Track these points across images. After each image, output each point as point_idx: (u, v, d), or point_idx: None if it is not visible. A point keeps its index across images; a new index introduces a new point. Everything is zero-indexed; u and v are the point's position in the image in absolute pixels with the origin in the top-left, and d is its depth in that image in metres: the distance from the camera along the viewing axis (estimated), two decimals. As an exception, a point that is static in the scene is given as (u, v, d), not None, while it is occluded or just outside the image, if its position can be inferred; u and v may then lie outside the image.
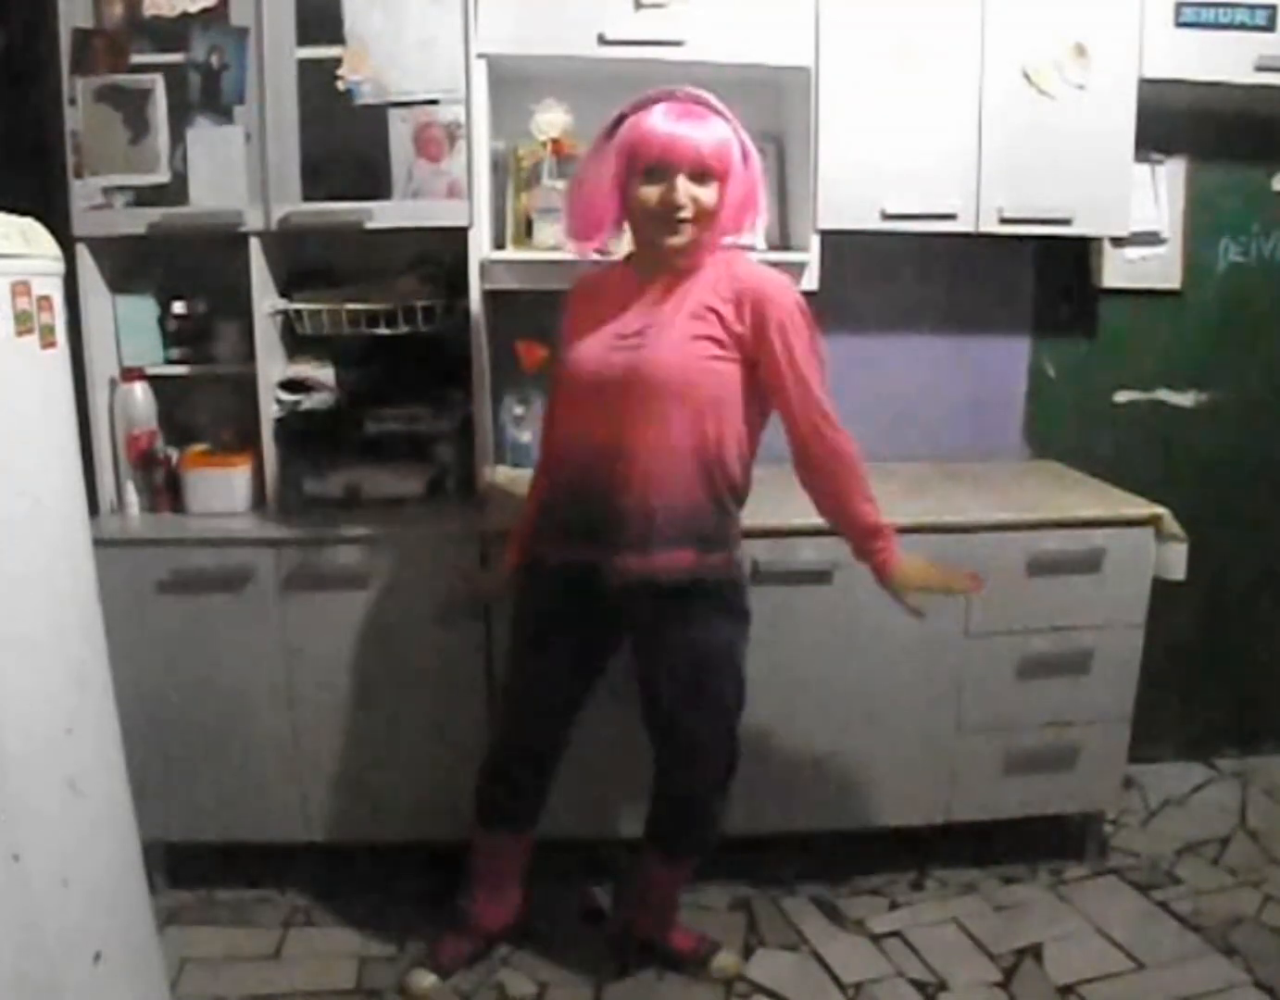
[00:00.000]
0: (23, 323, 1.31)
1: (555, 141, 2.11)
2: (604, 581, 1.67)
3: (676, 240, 1.60)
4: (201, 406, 2.27)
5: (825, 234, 2.15)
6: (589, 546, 1.67)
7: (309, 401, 2.15)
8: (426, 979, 1.92)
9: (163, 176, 2.02)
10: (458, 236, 2.07)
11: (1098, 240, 2.49)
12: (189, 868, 2.20)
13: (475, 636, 2.07)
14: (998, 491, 2.31)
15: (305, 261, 2.24)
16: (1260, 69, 2.19)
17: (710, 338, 1.62)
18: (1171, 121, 2.39)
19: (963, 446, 2.57)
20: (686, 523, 1.65)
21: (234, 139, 2.01)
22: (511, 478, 2.37)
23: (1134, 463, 2.57)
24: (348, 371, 2.19)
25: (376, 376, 2.24)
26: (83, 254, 2.03)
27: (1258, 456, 2.69)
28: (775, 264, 1.85)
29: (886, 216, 2.15)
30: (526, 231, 2.19)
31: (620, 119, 1.62)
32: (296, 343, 2.20)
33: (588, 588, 1.69)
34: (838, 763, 2.17)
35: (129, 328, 2.16)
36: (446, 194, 2.04)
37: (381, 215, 2.03)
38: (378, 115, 2.00)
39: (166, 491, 2.14)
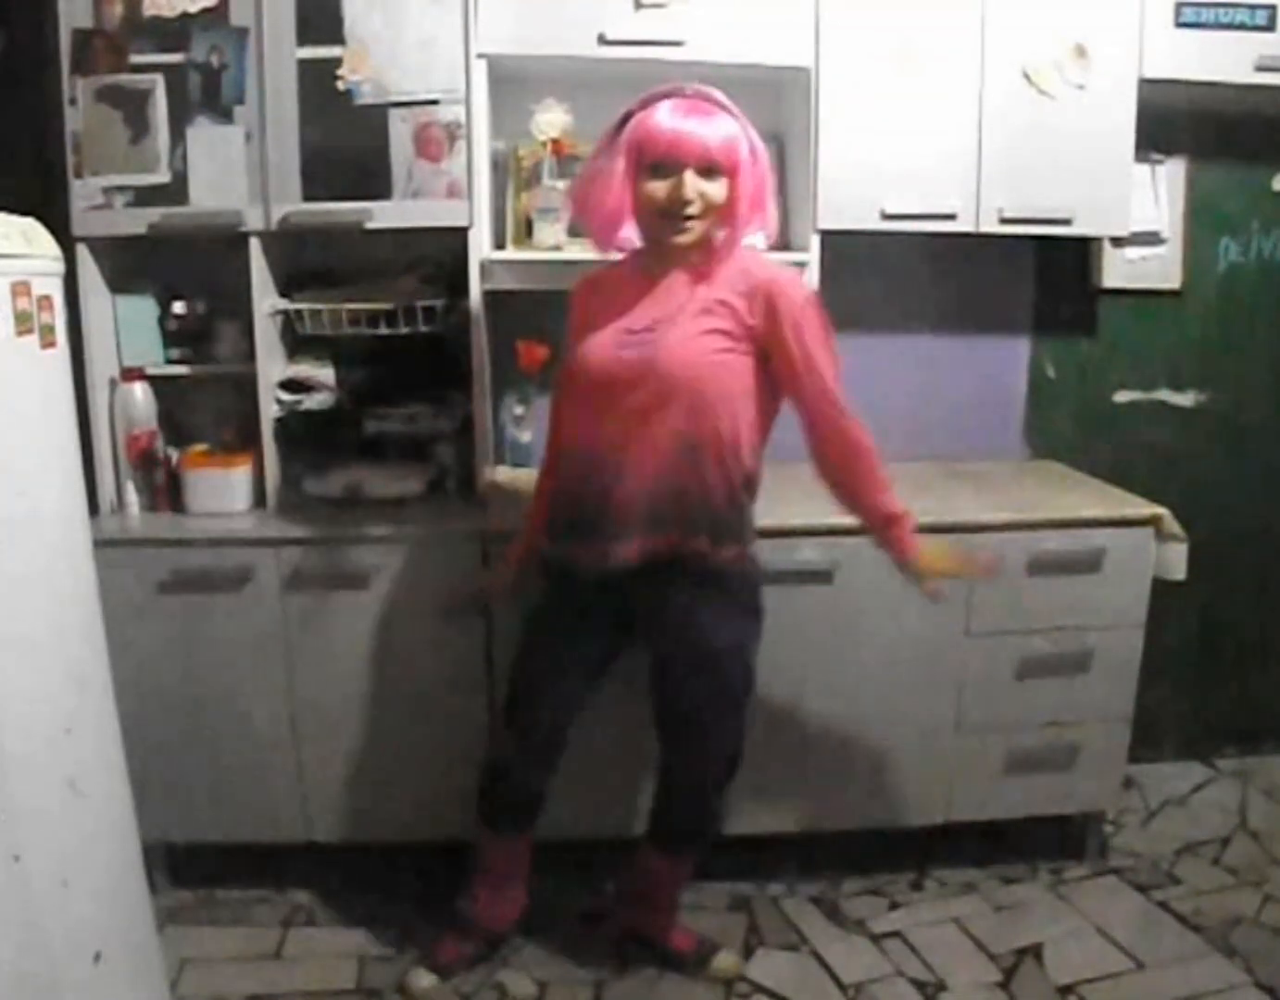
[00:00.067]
0: (23, 323, 1.31)
1: (555, 141, 2.11)
2: (614, 572, 1.67)
3: (683, 238, 1.60)
4: (201, 406, 2.27)
5: (825, 234, 2.15)
6: (600, 540, 1.67)
7: (309, 401, 2.15)
8: (426, 979, 1.92)
9: (163, 176, 2.02)
10: (458, 236, 2.07)
11: (1098, 240, 2.49)
12: (189, 868, 2.20)
13: (476, 636, 2.07)
14: (998, 491, 2.31)
15: (305, 261, 2.24)
16: (1260, 69, 2.19)
17: (722, 331, 1.62)
18: (1171, 121, 2.39)
19: (963, 446, 2.57)
20: (698, 514, 1.66)
21: (234, 139, 2.01)
22: (511, 478, 2.37)
23: (1134, 463, 2.57)
24: (348, 371, 2.20)
25: (376, 376, 2.24)
26: (83, 254, 2.03)
27: (1258, 456, 2.69)
28: (775, 264, 1.85)
29: (886, 216, 2.15)
30: (526, 231, 2.19)
31: (627, 116, 1.61)
32: (296, 343, 2.20)
33: (597, 583, 1.70)
34: (838, 763, 2.17)
35: (129, 328, 2.16)
36: (446, 194, 2.04)
37: (381, 215, 2.03)
38: (378, 115, 2.01)
39: (166, 491, 2.15)
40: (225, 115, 2.00)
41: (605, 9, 2.01)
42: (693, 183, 1.56)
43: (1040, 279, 2.56)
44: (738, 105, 1.64)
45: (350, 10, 1.97)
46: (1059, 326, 2.59)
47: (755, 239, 1.77)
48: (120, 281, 2.14)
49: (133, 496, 2.14)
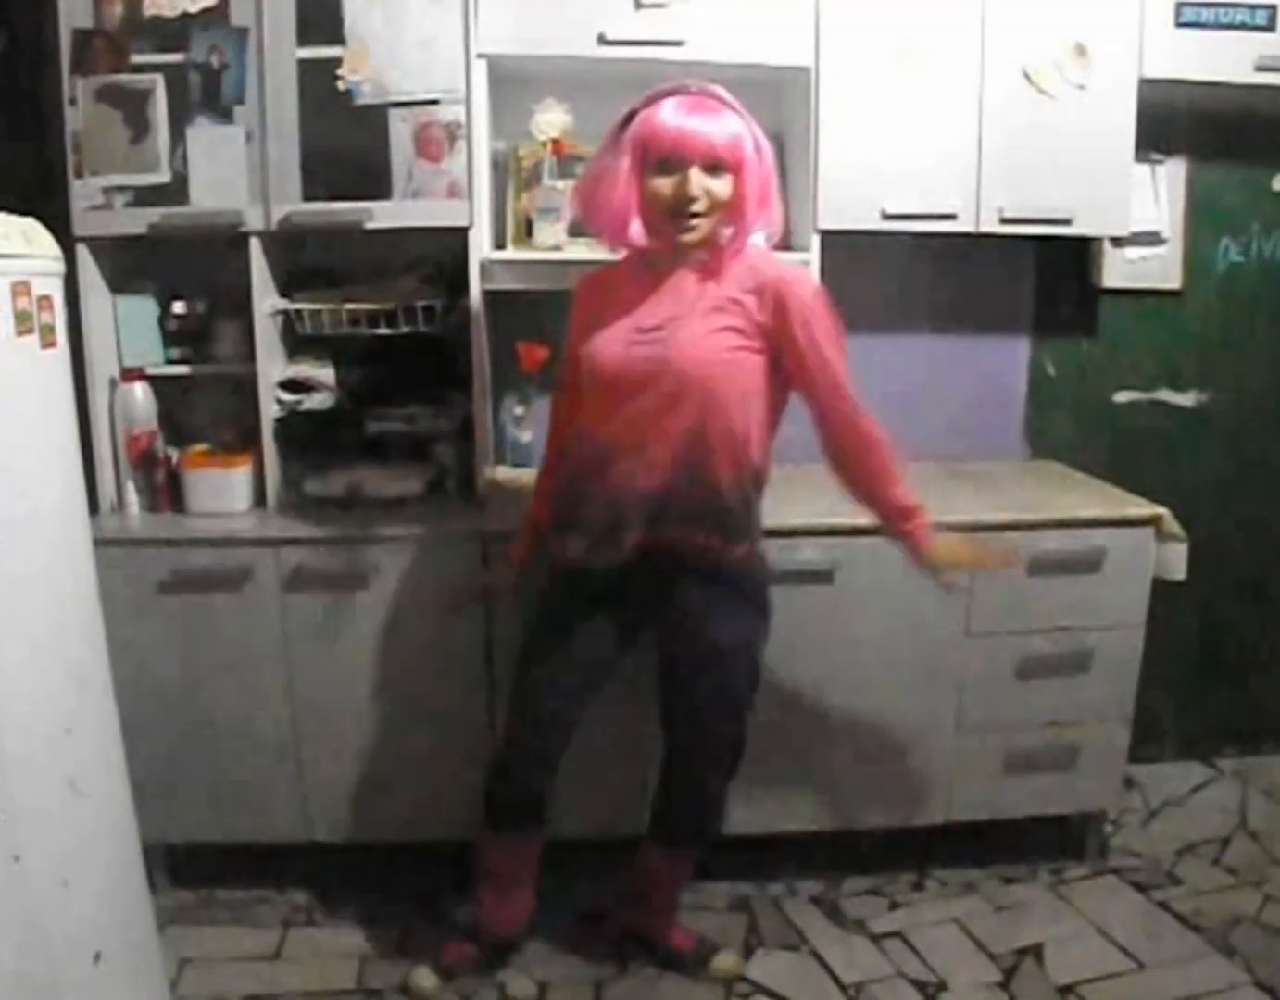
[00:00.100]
0: (23, 323, 1.31)
1: (555, 141, 2.11)
2: (623, 568, 1.67)
3: (689, 236, 1.60)
4: (201, 406, 2.27)
5: (825, 234, 2.15)
6: (609, 537, 1.67)
7: (309, 401, 2.15)
8: (429, 979, 1.92)
9: (163, 176, 2.02)
10: (458, 236, 2.07)
11: (1098, 240, 2.49)
12: (189, 868, 2.20)
13: (476, 636, 2.07)
14: (998, 491, 2.31)
15: (305, 261, 2.24)
16: (1260, 69, 2.19)
17: (733, 329, 1.63)
18: (1171, 121, 2.39)
19: (963, 446, 2.57)
20: (709, 511, 1.66)
21: (234, 139, 2.01)
22: (511, 478, 2.37)
23: (1134, 463, 2.57)
24: (348, 371, 2.20)
25: (376, 376, 2.24)
26: (83, 254, 2.03)
27: (1258, 456, 2.69)
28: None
29: (886, 216, 2.15)
30: (526, 231, 2.19)
31: (631, 114, 1.61)
32: (296, 343, 2.20)
33: (606, 580, 1.70)
34: (838, 763, 2.17)
35: (129, 328, 2.16)
36: (446, 194, 2.04)
37: (381, 215, 2.03)
38: (378, 115, 2.01)
39: (166, 491, 2.15)
40: (225, 115, 2.00)
41: (605, 9, 2.01)
42: (698, 180, 1.56)
43: (1040, 279, 2.56)
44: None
45: (350, 10, 1.97)
46: (1059, 326, 2.59)
47: (758, 237, 1.77)
48: (120, 281, 2.14)
49: (133, 496, 2.14)
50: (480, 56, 2.03)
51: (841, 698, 2.15)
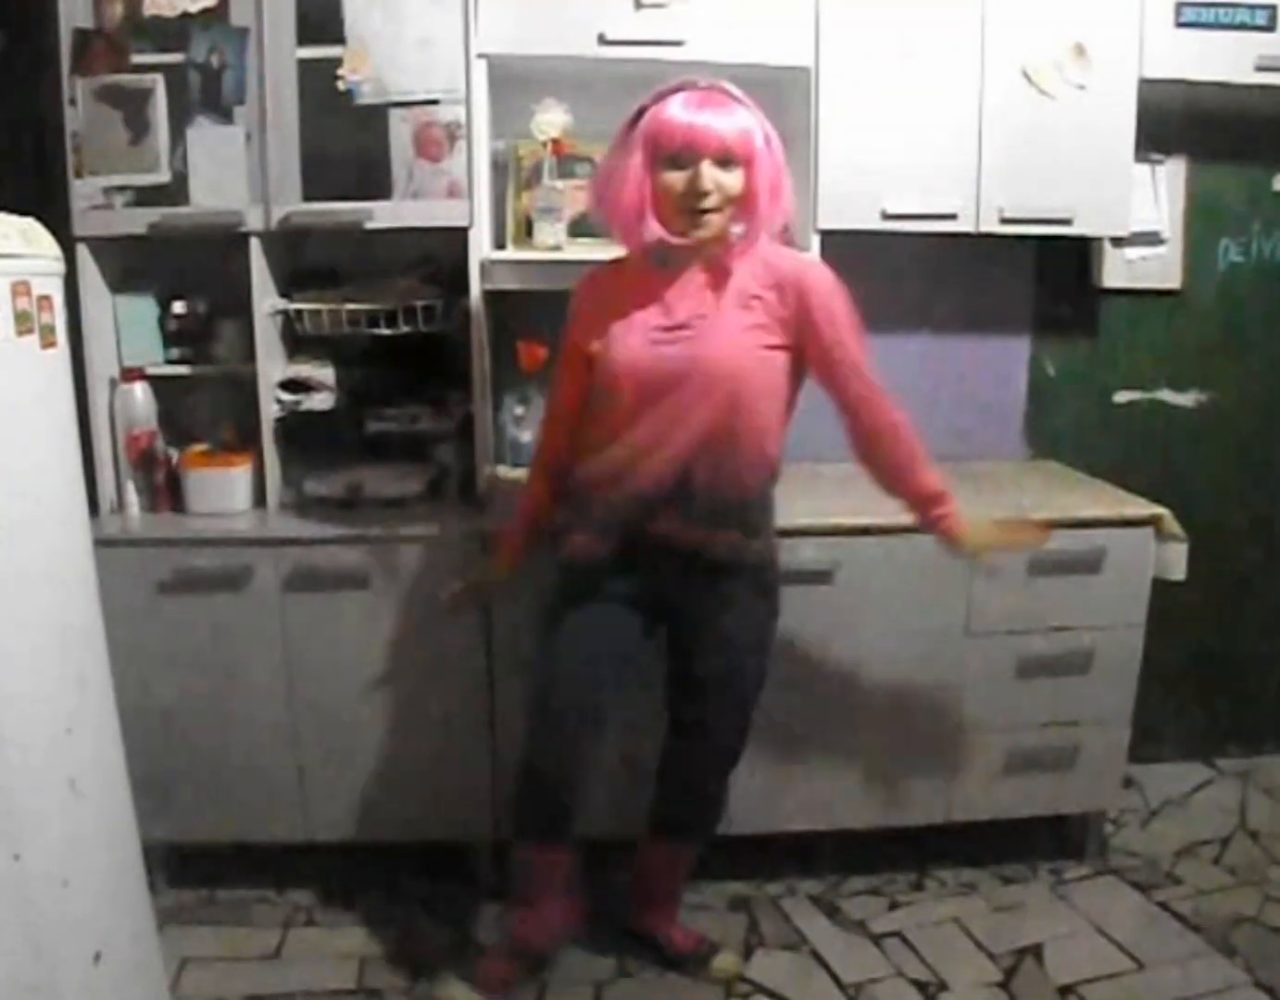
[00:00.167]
0: (23, 323, 1.31)
1: (555, 141, 2.11)
2: (642, 564, 1.68)
3: (703, 232, 1.59)
4: (201, 406, 2.27)
5: (825, 234, 2.15)
6: (632, 535, 1.67)
7: (309, 401, 2.15)
8: (460, 991, 1.84)
9: (163, 176, 2.02)
10: (458, 236, 2.07)
11: (1098, 240, 2.49)
12: (189, 868, 2.20)
13: (476, 636, 2.07)
14: (998, 491, 2.31)
15: (305, 261, 2.24)
16: (1260, 69, 2.19)
17: (760, 326, 1.63)
18: (1171, 121, 2.39)
19: (963, 446, 2.57)
20: (731, 507, 1.67)
21: (234, 139, 2.01)
22: (512, 478, 2.37)
23: (1134, 463, 2.57)
24: (348, 371, 2.20)
25: (376, 376, 2.24)
26: (83, 254, 2.03)
27: (1258, 456, 2.69)
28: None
29: (886, 216, 2.15)
30: (526, 231, 2.19)
31: (641, 111, 1.61)
32: (296, 343, 2.20)
33: (625, 577, 1.70)
34: (838, 763, 2.17)
35: (129, 328, 2.16)
36: (446, 194, 2.04)
37: (381, 215, 2.03)
38: (378, 115, 2.01)
39: (166, 491, 2.15)
40: (225, 115, 2.00)
41: (605, 9, 2.01)
42: (710, 174, 1.55)
43: (1040, 279, 2.56)
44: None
45: (350, 10, 1.97)
46: (1059, 326, 2.59)
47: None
48: (120, 281, 2.15)
49: (133, 496, 2.14)
50: (480, 56, 2.03)
51: (841, 698, 2.15)
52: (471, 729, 2.11)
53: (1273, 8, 2.18)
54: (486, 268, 2.11)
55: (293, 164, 2.03)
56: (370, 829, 2.17)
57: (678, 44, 2.03)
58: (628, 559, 1.70)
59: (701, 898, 2.17)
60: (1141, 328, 2.61)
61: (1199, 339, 2.63)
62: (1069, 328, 2.60)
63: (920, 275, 2.47)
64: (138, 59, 1.99)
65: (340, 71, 1.98)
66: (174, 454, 2.18)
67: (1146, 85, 2.17)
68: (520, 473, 2.36)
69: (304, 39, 1.98)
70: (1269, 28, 2.19)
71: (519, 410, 2.43)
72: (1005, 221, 2.19)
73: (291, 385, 2.15)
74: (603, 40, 2.02)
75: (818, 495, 2.18)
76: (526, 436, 2.43)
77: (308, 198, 2.04)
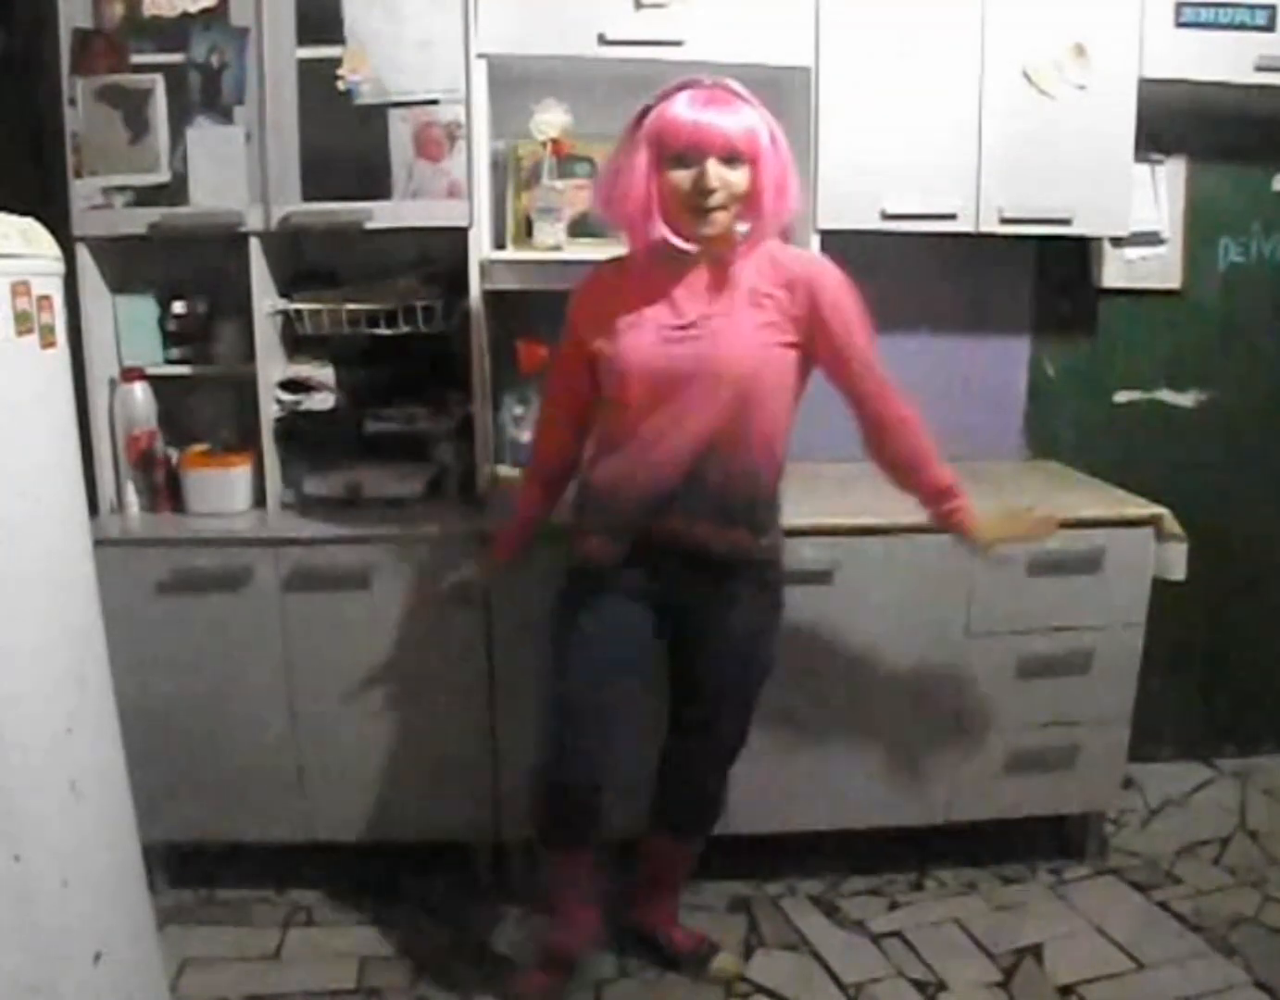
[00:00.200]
0: (23, 323, 1.31)
1: (555, 141, 2.10)
2: (654, 562, 1.68)
3: (709, 230, 1.59)
4: (201, 406, 2.27)
5: (825, 234, 2.15)
6: (645, 534, 1.67)
7: (309, 401, 2.15)
8: None
9: (163, 176, 2.02)
10: (458, 236, 2.07)
11: (1098, 240, 2.49)
12: (189, 868, 2.21)
13: (477, 637, 2.07)
14: (998, 491, 2.31)
15: (305, 261, 2.24)
16: (1260, 69, 2.19)
17: (772, 324, 1.63)
18: (1171, 121, 2.39)
19: (963, 446, 2.55)
20: (742, 506, 1.68)
21: (234, 139, 2.01)
22: (511, 477, 2.36)
23: (1134, 463, 2.56)
24: (348, 371, 2.20)
25: (376, 376, 2.24)
26: (83, 254, 2.04)
27: (1258, 456, 2.69)
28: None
29: (886, 216, 2.16)
30: (526, 231, 2.19)
31: (645, 111, 1.60)
32: (296, 343, 2.20)
33: (637, 577, 1.70)
34: (838, 763, 2.17)
35: (129, 328, 2.16)
36: (446, 194, 2.04)
37: (381, 215, 2.03)
38: (378, 115, 2.01)
39: (166, 491, 2.15)
40: (225, 115, 2.00)
41: (605, 9, 2.01)
42: (716, 171, 1.55)
43: (1040, 279, 2.56)
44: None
45: (350, 10, 1.97)
46: (1059, 326, 2.59)
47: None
48: (120, 281, 2.15)
49: (133, 496, 2.14)
50: (480, 56, 2.03)
51: (841, 698, 2.15)
52: (471, 729, 2.11)
53: (1273, 8, 2.18)
54: (486, 268, 2.11)
55: (292, 164, 2.03)
56: (370, 829, 2.17)
57: (678, 44, 2.03)
58: (636, 558, 1.70)
59: (701, 898, 2.17)
60: (1141, 328, 2.61)
61: (1199, 339, 2.63)
62: (1069, 328, 2.60)
63: (920, 275, 2.47)
64: (138, 59, 1.99)
65: (340, 71, 1.98)
66: (174, 454, 2.18)
67: (1146, 85, 2.17)
68: (520, 473, 2.36)
69: (304, 39, 1.98)
70: (1269, 28, 2.19)
71: (519, 410, 2.43)
72: (1005, 221, 2.19)
73: (291, 385, 2.15)
74: (603, 40, 2.02)
75: (818, 495, 2.18)
76: (526, 436, 2.43)
77: (307, 198, 2.04)
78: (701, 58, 2.01)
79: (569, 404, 1.79)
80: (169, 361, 2.19)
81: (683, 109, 1.55)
